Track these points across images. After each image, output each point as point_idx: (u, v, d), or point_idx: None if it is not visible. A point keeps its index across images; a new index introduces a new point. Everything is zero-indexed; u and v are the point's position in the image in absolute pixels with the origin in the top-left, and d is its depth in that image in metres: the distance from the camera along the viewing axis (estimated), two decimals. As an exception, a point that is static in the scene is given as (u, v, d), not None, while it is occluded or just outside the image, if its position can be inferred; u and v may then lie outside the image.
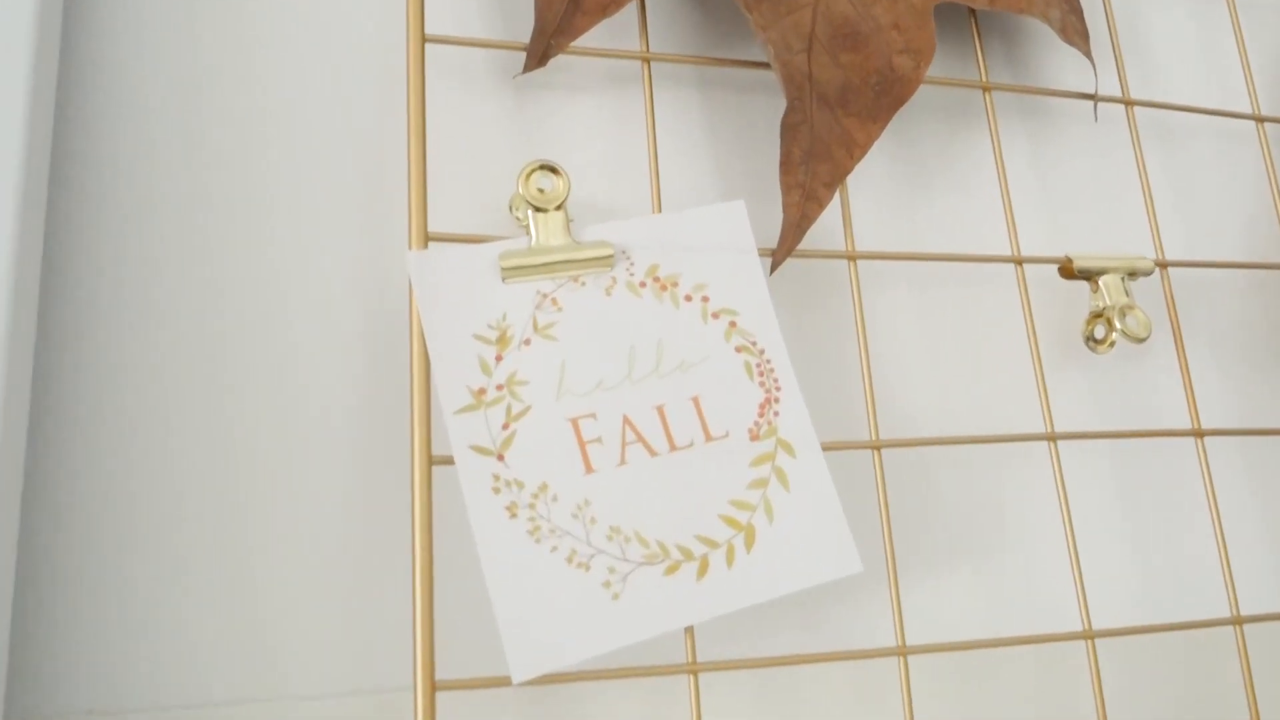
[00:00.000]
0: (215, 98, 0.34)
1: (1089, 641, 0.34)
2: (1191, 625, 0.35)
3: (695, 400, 0.32)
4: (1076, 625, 0.37)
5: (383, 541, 0.32)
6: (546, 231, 0.32)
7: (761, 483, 0.32)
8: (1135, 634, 0.36)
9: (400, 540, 0.32)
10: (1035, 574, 0.38)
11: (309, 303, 0.33)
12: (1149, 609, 0.39)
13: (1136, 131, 0.42)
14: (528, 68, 0.34)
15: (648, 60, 0.36)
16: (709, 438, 0.32)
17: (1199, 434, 0.38)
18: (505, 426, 0.30)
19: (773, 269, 0.35)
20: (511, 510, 0.30)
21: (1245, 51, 0.46)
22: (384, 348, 0.33)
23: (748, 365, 0.33)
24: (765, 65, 0.37)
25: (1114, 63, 0.44)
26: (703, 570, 0.31)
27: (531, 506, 0.30)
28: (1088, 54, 0.40)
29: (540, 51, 0.34)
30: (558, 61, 0.37)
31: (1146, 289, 0.42)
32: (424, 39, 0.33)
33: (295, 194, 0.34)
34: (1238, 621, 0.36)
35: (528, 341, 0.31)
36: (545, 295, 0.32)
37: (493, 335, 0.31)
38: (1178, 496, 0.40)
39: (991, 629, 0.37)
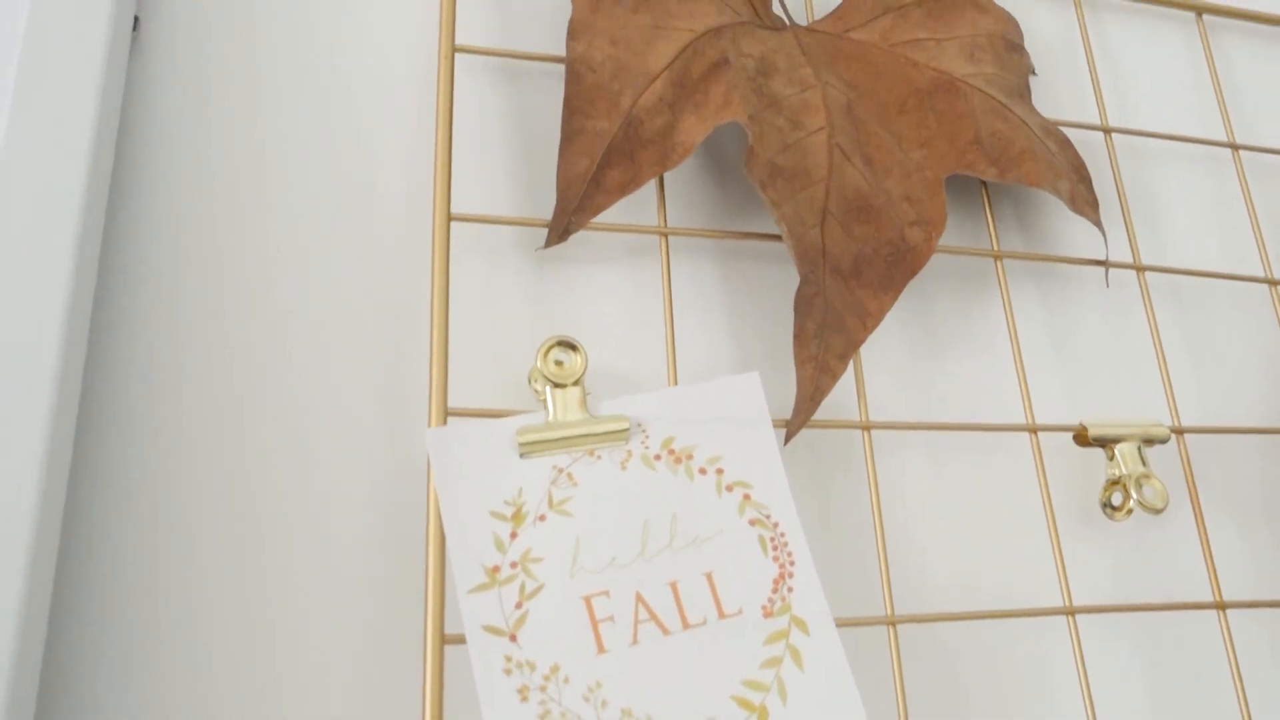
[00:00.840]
0: (237, 269, 0.35)
1: (1114, 831, 0.33)
2: (1221, 813, 0.34)
3: (709, 576, 0.32)
4: (1102, 807, 0.36)
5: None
6: (564, 406, 0.33)
7: (775, 661, 0.32)
8: (1163, 819, 0.35)
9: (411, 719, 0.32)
10: (1058, 751, 0.37)
11: (329, 477, 0.33)
12: (1177, 789, 0.38)
13: (1149, 296, 0.42)
14: (549, 243, 0.35)
15: (665, 235, 0.37)
16: (722, 615, 0.32)
17: (1221, 606, 0.38)
18: (518, 605, 0.30)
19: (787, 440, 0.35)
20: (523, 693, 0.29)
21: (1255, 213, 0.47)
22: (400, 522, 0.33)
23: (762, 539, 0.33)
24: (779, 237, 0.38)
25: (1125, 227, 0.44)
26: (715, 754, 0.30)
27: (543, 689, 0.30)
28: (1097, 223, 0.41)
29: (561, 228, 0.35)
30: (579, 235, 0.38)
31: (1164, 454, 0.42)
32: (450, 217, 0.35)
33: (320, 368, 0.34)
34: (1269, 808, 0.35)
35: (543, 517, 0.32)
36: (561, 470, 0.32)
37: (508, 511, 0.31)
38: (1201, 669, 0.39)
39: (1014, 809, 0.36)
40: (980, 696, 0.37)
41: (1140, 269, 0.43)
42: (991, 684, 0.37)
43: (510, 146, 0.39)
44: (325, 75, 0.38)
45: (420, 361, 0.35)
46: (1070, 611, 0.36)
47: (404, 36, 0.39)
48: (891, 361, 0.40)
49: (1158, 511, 0.37)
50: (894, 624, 0.34)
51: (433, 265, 0.34)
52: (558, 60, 0.38)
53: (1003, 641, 0.38)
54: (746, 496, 0.34)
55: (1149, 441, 0.39)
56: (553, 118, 0.39)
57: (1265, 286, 0.46)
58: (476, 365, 0.36)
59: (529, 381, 0.35)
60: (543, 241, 0.37)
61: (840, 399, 0.38)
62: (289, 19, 0.38)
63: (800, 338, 0.36)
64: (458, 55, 0.39)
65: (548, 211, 0.38)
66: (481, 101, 0.39)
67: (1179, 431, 0.40)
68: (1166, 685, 0.39)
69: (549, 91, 0.40)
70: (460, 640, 0.30)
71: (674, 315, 0.38)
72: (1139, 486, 0.38)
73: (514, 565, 0.31)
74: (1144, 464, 0.38)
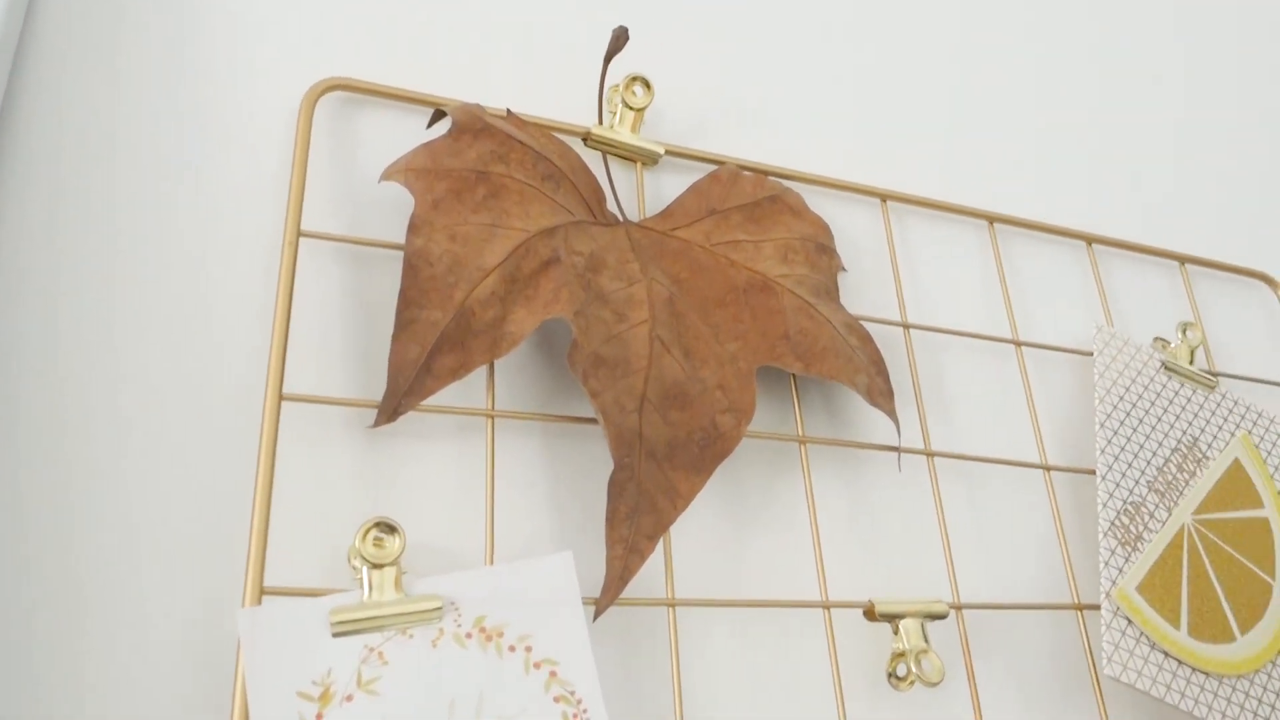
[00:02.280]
0: (80, 432, 0.36)
1: None
2: None
3: (511, 754, 0.34)
4: None
5: None
6: (379, 586, 0.34)
7: (571, 838, 0.33)
8: None
9: None
10: None
11: (139, 652, 0.34)
12: None
13: (936, 481, 0.47)
14: (378, 423, 0.37)
15: (492, 417, 0.40)
16: (522, 792, 0.33)
17: (992, 776, 0.41)
18: (318, 787, 0.31)
19: (595, 617, 0.38)
20: None
21: (1033, 404, 0.52)
22: (211, 700, 0.34)
23: (564, 715, 0.35)
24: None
25: (918, 415, 0.49)
26: None
27: None
28: (891, 414, 0.45)
29: (391, 409, 0.37)
30: (410, 414, 0.40)
31: (949, 628, 0.46)
32: (280, 396, 0.36)
33: (144, 539, 0.35)
34: None
35: (350, 697, 0.33)
36: (372, 649, 0.34)
37: (315, 692, 0.33)
38: (978, 834, 0.42)
39: None
40: None
41: (930, 454, 0.47)
42: None
43: (350, 327, 0.41)
44: (177, 251, 0.40)
45: (240, 539, 0.36)
46: (852, 783, 0.38)
47: (256, 218, 0.41)
48: (702, 538, 0.43)
49: (933, 685, 0.41)
50: (687, 798, 0.36)
51: (260, 444, 0.35)
52: (399, 248, 0.41)
53: (793, 811, 0.40)
54: (553, 674, 0.35)
55: (930, 617, 0.43)
56: (393, 300, 0.42)
57: (1040, 471, 0.52)
58: (302, 541, 0.37)
59: (348, 560, 0.36)
60: (373, 420, 0.39)
61: (651, 577, 0.41)
62: (145, 195, 0.40)
63: (612, 520, 0.38)
64: (303, 240, 0.41)
65: (381, 391, 0.40)
66: (326, 283, 0.41)
67: (958, 608, 0.44)
68: None
69: (393, 275, 0.43)
70: (257, 824, 0.31)
71: (495, 494, 0.40)
72: (918, 661, 0.41)
73: (317, 747, 0.32)
74: (925, 639, 0.42)
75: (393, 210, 0.43)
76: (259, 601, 0.33)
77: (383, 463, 0.39)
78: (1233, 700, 0.47)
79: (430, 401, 0.40)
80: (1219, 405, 0.56)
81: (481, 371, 0.42)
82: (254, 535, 0.34)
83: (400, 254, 0.43)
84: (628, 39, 0.47)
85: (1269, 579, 0.52)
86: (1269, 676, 0.49)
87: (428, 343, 0.38)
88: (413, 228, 0.40)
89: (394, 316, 0.40)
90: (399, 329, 0.38)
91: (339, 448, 0.39)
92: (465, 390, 0.41)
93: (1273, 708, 0.48)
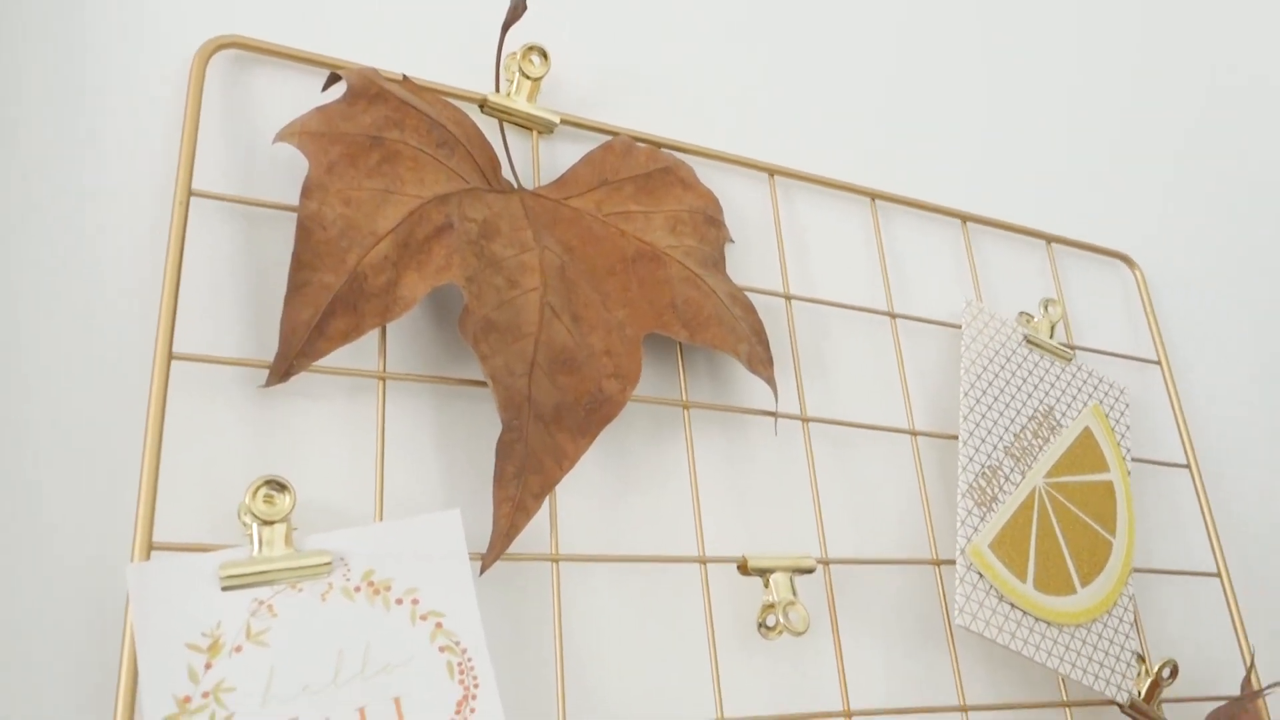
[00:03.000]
0: (-42, 397, 0.36)
1: None
2: None
3: (397, 701, 0.36)
4: None
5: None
6: (269, 542, 0.35)
7: (454, 778, 0.35)
8: None
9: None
10: None
11: (28, 604, 0.34)
12: None
13: (810, 445, 0.50)
14: (270, 383, 0.38)
15: (383, 379, 0.41)
16: (407, 736, 0.35)
17: (848, 714, 0.45)
18: (207, 734, 0.33)
19: (481, 572, 0.39)
20: (202, 819, 0.32)
21: (904, 373, 0.56)
22: (100, 654, 0.35)
23: (450, 664, 0.37)
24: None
25: (795, 383, 0.52)
26: None
27: (223, 815, 0.32)
28: (770, 381, 0.48)
29: (283, 370, 0.38)
30: (302, 375, 0.41)
31: (817, 581, 0.49)
32: (170, 355, 0.37)
33: (29, 493, 0.36)
34: None
35: (239, 648, 0.34)
36: (262, 602, 0.35)
37: (205, 643, 0.34)
38: (836, 770, 0.46)
39: None
40: (643, 802, 0.42)
41: (805, 420, 0.50)
42: (654, 790, 0.42)
43: (242, 288, 0.41)
44: (68, 210, 0.39)
45: (131, 496, 0.37)
46: (721, 725, 0.41)
47: (148, 178, 0.41)
48: (587, 497, 0.45)
49: (799, 634, 0.44)
50: (565, 740, 0.38)
51: (149, 402, 0.36)
52: (292, 210, 0.41)
53: (665, 751, 0.43)
54: (439, 625, 0.37)
55: (799, 571, 0.46)
56: (285, 261, 0.42)
57: (908, 436, 0.55)
58: (192, 499, 0.38)
59: (238, 516, 0.37)
60: (265, 379, 0.40)
61: (537, 532, 0.43)
62: (34, 153, 0.40)
63: (500, 480, 0.40)
64: (194, 200, 0.41)
65: (273, 351, 0.41)
66: (218, 243, 0.42)
67: (825, 563, 0.47)
68: (804, 786, 0.45)
69: (285, 237, 0.43)
70: (145, 769, 0.32)
71: (386, 454, 0.42)
72: (785, 612, 0.44)
73: (205, 695, 0.33)
74: (793, 592, 0.45)
75: (286, 172, 0.44)
76: (148, 557, 0.34)
77: (274, 422, 0.40)
78: (1070, 647, 0.52)
79: (322, 363, 0.41)
80: (1074, 377, 0.60)
81: (374, 334, 0.43)
82: (143, 491, 0.34)
83: (293, 216, 0.44)
84: (525, 8, 0.48)
85: (1109, 537, 0.57)
86: (1104, 625, 0.54)
87: (320, 305, 0.39)
88: (306, 191, 0.40)
89: (287, 278, 0.40)
90: (291, 291, 0.39)
91: (230, 407, 0.39)
92: (357, 352, 0.42)
93: (1106, 653, 0.53)
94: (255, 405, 0.40)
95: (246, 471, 0.39)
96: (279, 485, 0.36)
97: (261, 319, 0.41)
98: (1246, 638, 0.60)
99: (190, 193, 0.39)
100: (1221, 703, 0.56)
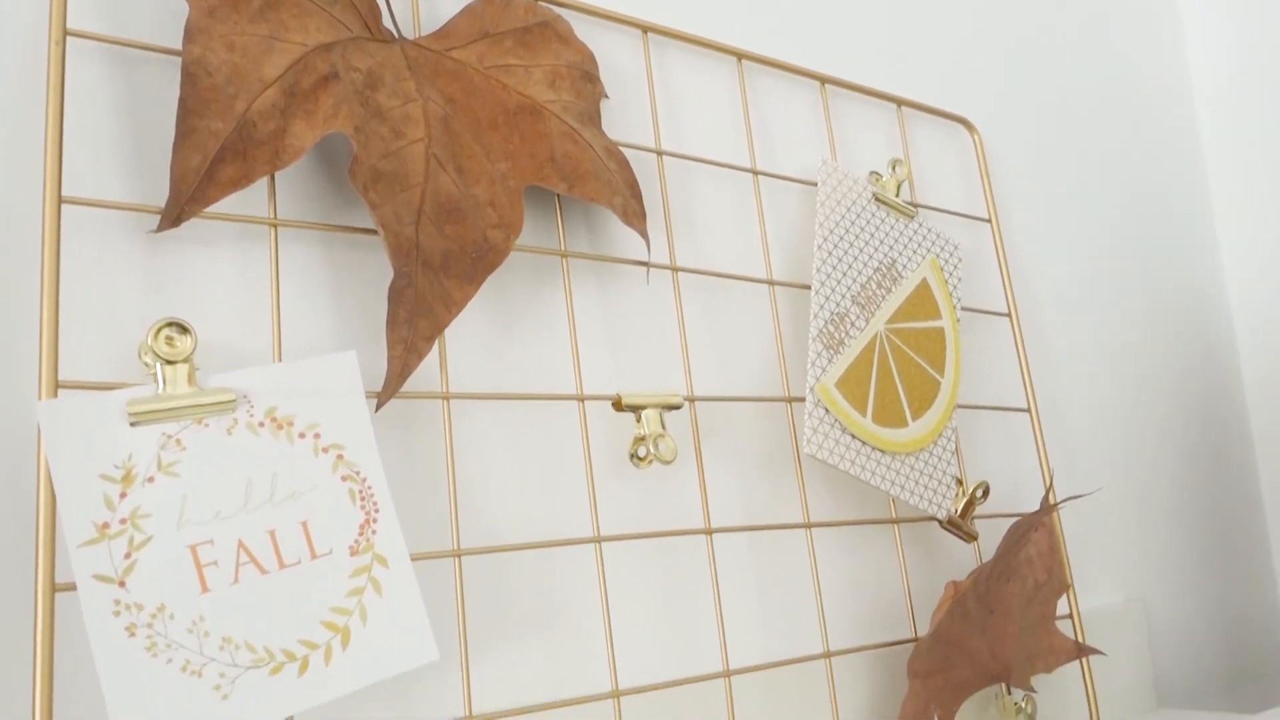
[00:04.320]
0: None
1: (616, 700, 0.45)
2: (693, 680, 0.47)
3: (304, 524, 0.39)
4: (608, 684, 0.48)
5: (8, 657, 0.35)
6: (173, 381, 0.37)
7: (358, 591, 0.39)
8: (656, 690, 0.47)
9: (24, 658, 0.35)
10: (585, 646, 0.48)
11: (-68, 438, 0.35)
12: (671, 666, 0.50)
13: (679, 293, 0.54)
14: (161, 228, 0.39)
15: (275, 225, 0.42)
16: (314, 555, 0.39)
17: (709, 532, 0.51)
18: (127, 556, 0.35)
19: (377, 409, 0.42)
20: (131, 630, 0.34)
21: (765, 229, 0.60)
22: (11, 486, 0.36)
23: (351, 492, 0.40)
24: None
25: (666, 235, 0.56)
26: (303, 669, 0.37)
27: (150, 626, 0.35)
28: (643, 232, 0.51)
29: (174, 216, 0.39)
30: (194, 221, 0.42)
31: (683, 416, 0.54)
32: (60, 199, 0.37)
33: (-80, 334, 0.36)
34: (727, 674, 0.48)
35: (151, 479, 0.36)
36: (170, 436, 0.37)
37: (118, 474, 0.36)
38: (698, 577, 0.52)
39: (557, 693, 0.46)
40: (533, 607, 0.47)
41: (674, 269, 0.54)
42: (542, 598, 0.47)
43: (125, 133, 0.41)
44: (-78, 41, 0.38)
45: (31, 338, 0.37)
46: (597, 540, 0.46)
47: (17, 17, 0.40)
48: (474, 340, 0.48)
49: (667, 463, 0.49)
50: (459, 555, 0.43)
51: (43, 246, 0.36)
52: (172, 53, 0.41)
53: (554, 565, 0.48)
54: (340, 456, 0.40)
55: (668, 408, 0.50)
56: (167, 107, 0.42)
57: (767, 286, 0.60)
58: (91, 341, 0.39)
59: (139, 356, 0.38)
60: (155, 225, 0.41)
61: (428, 373, 0.46)
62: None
63: (392, 323, 0.42)
64: (70, 39, 0.41)
65: (161, 197, 0.41)
66: (97, 87, 0.41)
67: (691, 400, 0.52)
68: (673, 590, 0.51)
69: (166, 81, 0.43)
70: (71, 588, 0.34)
71: (281, 298, 0.43)
72: (655, 444, 0.49)
73: (123, 521, 0.35)
74: (662, 426, 0.50)
75: (165, 13, 0.43)
76: (55, 395, 0.35)
77: (166, 267, 0.41)
78: (900, 472, 0.59)
79: (214, 209, 0.42)
80: (915, 233, 0.66)
81: (264, 182, 0.44)
82: (45, 333, 0.35)
83: (172, 60, 0.43)
84: None
85: (938, 377, 0.63)
86: (930, 454, 0.61)
87: (209, 152, 0.39)
88: (189, 35, 0.40)
89: (175, 124, 0.40)
90: (180, 138, 0.39)
91: (121, 254, 0.40)
92: (248, 199, 0.43)
93: (930, 478, 0.60)
94: (146, 251, 0.41)
95: (141, 315, 0.40)
96: (180, 327, 0.37)
97: (145, 165, 0.41)
98: (1048, 463, 0.69)
99: (66, 32, 0.39)
100: (1023, 517, 0.65)
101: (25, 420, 0.37)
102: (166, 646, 0.35)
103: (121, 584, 0.35)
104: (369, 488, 0.40)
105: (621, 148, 0.54)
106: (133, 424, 0.36)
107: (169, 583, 0.35)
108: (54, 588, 0.34)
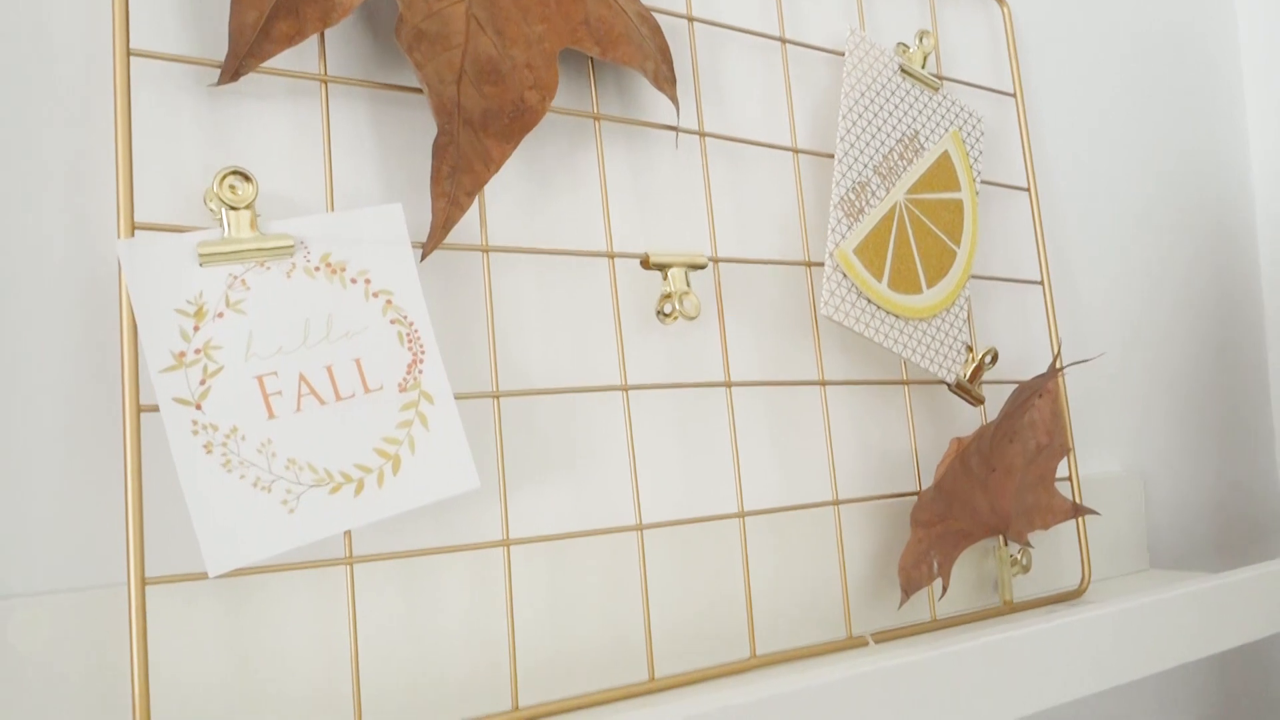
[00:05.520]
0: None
1: (640, 533, 0.49)
2: (711, 518, 0.51)
3: (357, 361, 0.42)
4: (632, 519, 0.52)
5: (102, 470, 0.39)
6: (237, 226, 0.40)
7: (407, 424, 0.43)
8: (676, 525, 0.52)
9: (116, 471, 0.40)
10: (610, 486, 0.52)
11: (29, 276, 0.39)
12: (691, 507, 0.54)
13: (706, 158, 0.56)
14: (221, 82, 0.41)
15: (325, 81, 0.44)
16: (367, 390, 0.42)
17: (728, 385, 0.54)
18: (202, 382, 0.39)
19: (423, 258, 0.45)
20: (208, 448, 0.38)
21: (791, 97, 0.61)
22: (98, 316, 0.40)
23: (400, 334, 0.43)
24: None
25: (695, 101, 0.57)
26: (359, 490, 0.41)
27: (224, 445, 0.39)
28: (673, 98, 0.53)
29: (233, 70, 0.41)
30: (250, 76, 0.44)
31: (707, 277, 0.56)
32: (129, 53, 0.40)
33: (13, 186, 0.39)
34: (742, 515, 0.53)
35: (221, 314, 0.40)
36: (236, 277, 0.40)
37: (191, 309, 0.39)
38: (717, 427, 0.56)
39: (585, 525, 0.50)
40: (560, 449, 0.50)
41: (702, 135, 0.56)
42: (569, 441, 0.51)
43: (182, -12, 0.43)
44: (-11, -105, 0.40)
45: (107, 183, 0.40)
46: (625, 388, 0.50)
47: None
48: (511, 198, 0.51)
49: (691, 318, 0.52)
50: (498, 397, 0.46)
51: (114, 96, 0.39)
52: (226, -89, 0.43)
53: (581, 410, 0.51)
54: (389, 302, 0.43)
55: (693, 267, 0.53)
56: (221, -37, 0.44)
57: (791, 154, 0.62)
58: (158, 187, 0.42)
59: (204, 202, 0.41)
60: (216, 78, 0.43)
61: (468, 228, 0.49)
62: None
63: (436, 178, 0.45)
64: (129, -105, 0.42)
65: (218, 53, 0.44)
66: (152, -59, 0.43)
67: (715, 260, 0.55)
68: (693, 437, 0.55)
69: (217, -63, 0.44)
70: (154, 409, 0.38)
71: (332, 151, 0.46)
72: (681, 300, 0.52)
73: (198, 351, 0.39)
74: (688, 284, 0.53)
75: None
76: (132, 235, 0.38)
77: (225, 121, 0.44)
78: (913, 337, 0.62)
79: (268, 65, 0.44)
80: (939, 105, 0.67)
81: (314, 41, 0.46)
82: (120, 177, 0.38)
83: (223, -83, 0.45)
84: None
85: (955, 247, 0.66)
86: (942, 320, 0.64)
87: (264, 9, 0.41)
88: (241, -108, 0.42)
89: (229, -20, 0.42)
90: (236, -6, 0.41)
91: (183, 106, 0.43)
92: (299, 58, 0.45)
93: (942, 343, 0.63)
94: (208, 102, 0.43)
95: (204, 165, 0.43)
96: (243, 175, 0.40)
97: (205, 20, 0.43)
98: (1057, 334, 0.71)
99: (124, -112, 0.40)
100: (1029, 383, 0.68)
101: (106, 262, 0.40)
102: (240, 464, 0.39)
103: (198, 406, 0.38)
104: (415, 331, 0.44)
105: (654, 13, 0.55)
106: (202, 264, 0.39)
107: (239, 408, 0.39)
108: (139, 408, 0.37)
